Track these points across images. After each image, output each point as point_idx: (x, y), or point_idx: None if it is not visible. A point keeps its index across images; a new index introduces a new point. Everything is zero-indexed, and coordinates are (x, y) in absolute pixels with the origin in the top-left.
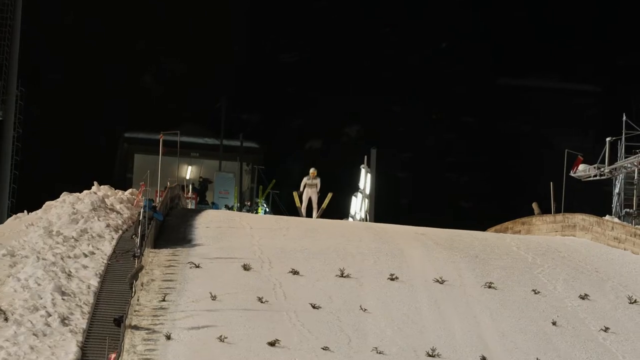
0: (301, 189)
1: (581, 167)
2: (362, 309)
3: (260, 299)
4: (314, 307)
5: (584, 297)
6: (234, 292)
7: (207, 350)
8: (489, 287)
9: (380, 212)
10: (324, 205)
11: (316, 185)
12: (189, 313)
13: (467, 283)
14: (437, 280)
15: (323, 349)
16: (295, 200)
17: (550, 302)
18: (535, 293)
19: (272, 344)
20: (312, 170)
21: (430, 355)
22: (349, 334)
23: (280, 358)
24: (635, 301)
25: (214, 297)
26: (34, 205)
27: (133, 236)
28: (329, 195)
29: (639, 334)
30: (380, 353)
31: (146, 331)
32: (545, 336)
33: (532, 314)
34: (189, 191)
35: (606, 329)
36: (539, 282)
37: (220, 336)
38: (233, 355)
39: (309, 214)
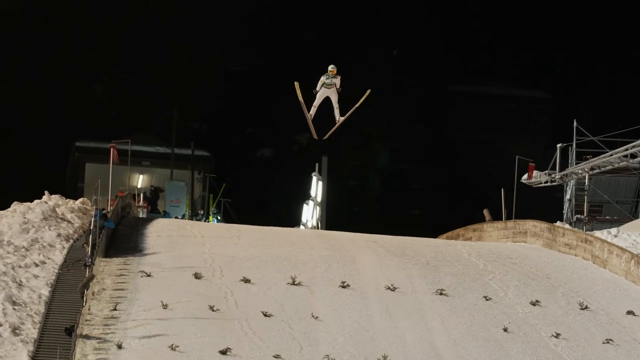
0: (318, 87)
1: (533, 173)
2: (313, 316)
3: (211, 307)
4: (265, 315)
5: (535, 303)
6: (186, 301)
7: (159, 359)
8: (441, 294)
9: (332, 219)
10: (360, 102)
11: (335, 84)
12: (140, 322)
13: (419, 290)
14: (389, 288)
15: (275, 357)
16: (297, 92)
17: (502, 309)
18: (487, 299)
19: (223, 352)
20: (331, 67)
21: None
22: (300, 342)
23: None
24: (586, 307)
25: (165, 306)
26: None
27: (84, 245)
28: (367, 91)
29: (590, 340)
30: None
31: (97, 340)
32: (497, 342)
33: (484, 321)
34: (140, 200)
35: (557, 335)
36: (490, 288)
37: (172, 345)
38: None
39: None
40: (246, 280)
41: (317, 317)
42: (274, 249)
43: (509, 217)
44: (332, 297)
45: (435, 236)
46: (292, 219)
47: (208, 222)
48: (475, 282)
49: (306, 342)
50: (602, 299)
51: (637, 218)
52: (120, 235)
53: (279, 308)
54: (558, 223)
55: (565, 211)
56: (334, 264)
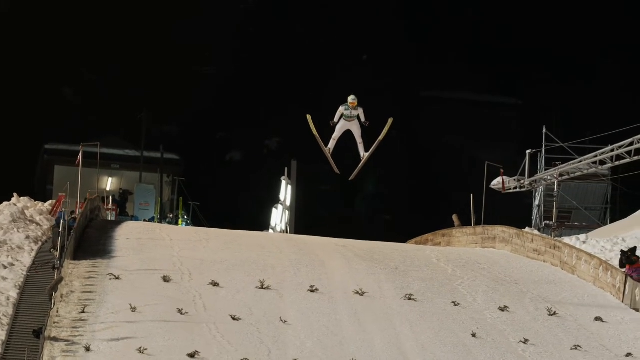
0: (335, 119)
1: (500, 180)
2: (282, 320)
3: (180, 311)
4: (234, 318)
5: (503, 308)
6: (154, 304)
7: None
8: (409, 298)
9: (301, 224)
10: (383, 134)
11: (357, 116)
12: (108, 324)
13: (387, 295)
14: (357, 292)
15: None
16: (310, 126)
17: (470, 314)
18: (455, 305)
19: (191, 355)
20: (351, 98)
21: None
22: (269, 346)
23: None
24: (554, 313)
25: (133, 309)
26: None
27: (51, 250)
28: (390, 121)
29: (558, 346)
30: None
31: (65, 343)
32: (465, 348)
33: (452, 326)
34: (109, 203)
35: (525, 341)
36: (458, 293)
37: (140, 348)
38: None
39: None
40: (215, 284)
41: (285, 321)
42: (243, 253)
43: (478, 223)
44: (301, 301)
45: (404, 241)
46: (261, 223)
47: (177, 225)
48: (444, 287)
49: (275, 346)
50: (571, 305)
51: (605, 224)
52: (89, 238)
53: (248, 312)
54: (527, 229)
55: (534, 217)
56: (303, 268)
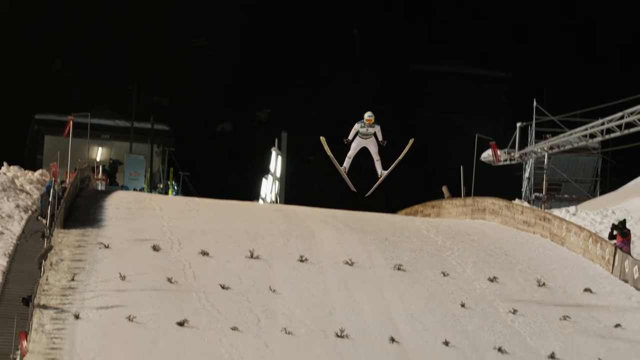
0: (350, 136)
1: (490, 152)
2: (271, 290)
3: (169, 280)
4: (223, 287)
5: (492, 279)
6: (144, 273)
7: (116, 330)
8: (399, 269)
9: (291, 194)
10: (404, 153)
11: (374, 134)
12: (98, 293)
13: (377, 265)
14: (347, 262)
15: (232, 329)
16: (325, 147)
17: (459, 285)
18: (445, 275)
19: (181, 324)
20: (367, 115)
21: (339, 336)
22: (258, 315)
23: (189, 338)
24: (543, 284)
25: (123, 278)
26: None
27: (38, 217)
28: (410, 141)
29: (547, 316)
30: (289, 333)
31: (55, 310)
32: (454, 318)
33: (441, 296)
34: (99, 172)
35: (514, 311)
36: (448, 264)
37: (129, 316)
38: (142, 335)
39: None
40: (204, 253)
41: (275, 291)
42: (233, 223)
43: (467, 195)
44: (290, 270)
45: (394, 212)
46: (251, 194)
47: (167, 195)
48: (434, 258)
49: (264, 315)
50: (560, 276)
51: (595, 197)
52: (78, 207)
53: (237, 281)
54: (516, 201)
55: (524, 189)
56: (293, 238)
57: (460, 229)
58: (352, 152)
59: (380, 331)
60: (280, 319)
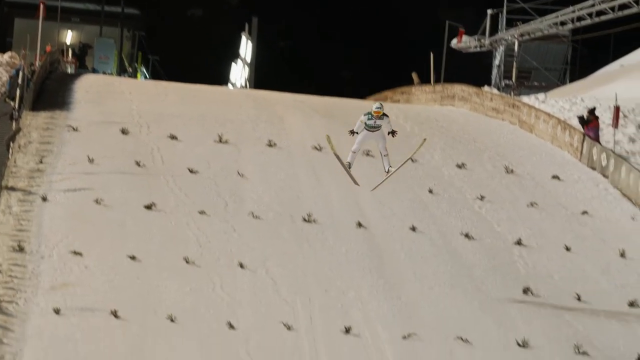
0: (356, 128)
1: (463, 38)
2: (239, 174)
3: (137, 163)
4: (191, 171)
5: (461, 166)
6: (112, 156)
7: (84, 213)
8: (367, 154)
9: (260, 79)
10: (415, 152)
11: (380, 127)
12: (66, 175)
13: (345, 150)
14: (316, 148)
15: (200, 212)
16: (330, 146)
17: (427, 171)
18: (413, 161)
19: (148, 207)
20: (375, 106)
21: (306, 221)
22: (225, 199)
23: (156, 221)
24: (511, 171)
25: (91, 160)
26: None
27: (6, 100)
28: (423, 140)
29: (514, 203)
30: (256, 218)
31: (22, 192)
32: (422, 203)
33: (409, 182)
34: (68, 56)
35: (482, 198)
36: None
37: (97, 199)
38: (109, 218)
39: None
40: (173, 137)
41: (243, 175)
42: (202, 107)
43: (437, 81)
44: (259, 155)
45: (363, 98)
46: (220, 78)
47: (136, 79)
48: (402, 144)
49: (231, 199)
50: (528, 163)
51: (564, 85)
52: (48, 90)
53: (205, 165)
54: (486, 88)
55: (493, 77)
56: (262, 123)
57: (429, 116)
58: (357, 147)
59: (348, 216)
60: (248, 203)
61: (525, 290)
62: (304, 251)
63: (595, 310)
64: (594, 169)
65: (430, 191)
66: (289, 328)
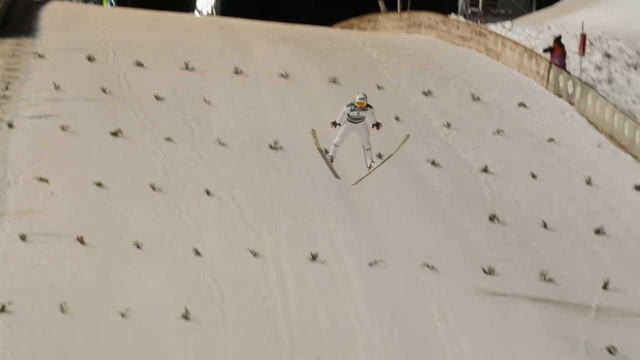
0: (338, 119)
1: None
2: (206, 101)
3: (104, 90)
4: (157, 98)
5: (427, 93)
6: (78, 83)
7: (50, 139)
8: (334, 82)
9: (226, 7)
10: (397, 149)
11: (364, 118)
12: (32, 102)
13: (312, 78)
14: (282, 75)
15: (166, 139)
16: (315, 140)
17: (394, 98)
18: (379, 88)
19: (114, 134)
20: (359, 97)
21: (272, 148)
22: (192, 126)
23: (122, 148)
24: (478, 98)
25: (57, 87)
26: None
27: None
28: (406, 137)
29: (480, 130)
30: (223, 145)
31: None
32: (388, 131)
33: (376, 109)
34: None
35: (448, 125)
36: (383, 78)
37: (63, 125)
38: (76, 144)
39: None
40: (139, 64)
41: (209, 102)
42: (168, 34)
43: (404, 9)
44: (225, 82)
45: (330, 26)
46: (187, 6)
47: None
48: (369, 71)
49: (198, 127)
50: (494, 90)
51: (531, 12)
52: (13, 17)
53: (172, 92)
54: (452, 16)
55: (460, 4)
56: (228, 50)
57: (395, 43)
58: (339, 139)
59: (313, 144)
60: (214, 131)
61: (492, 218)
62: (270, 178)
63: (561, 237)
64: (560, 96)
65: (397, 118)
66: (255, 255)
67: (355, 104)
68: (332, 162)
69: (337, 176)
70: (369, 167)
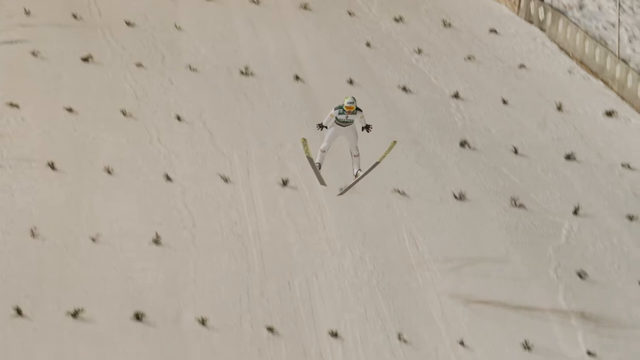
0: (325, 122)
1: None
2: (177, 27)
3: (74, 15)
4: (128, 24)
5: (398, 19)
6: (49, 9)
7: (21, 65)
8: (305, 8)
9: None
10: (383, 156)
11: (353, 121)
12: (2, 27)
13: (283, 4)
14: (253, 1)
15: (137, 65)
16: (305, 149)
17: (365, 24)
18: (350, 15)
19: (85, 59)
20: (347, 101)
21: (243, 74)
22: (162, 51)
23: (93, 74)
24: (449, 24)
25: (28, 13)
26: None
27: None
28: (392, 143)
29: (451, 56)
30: (193, 70)
31: None
32: (359, 57)
33: (347, 35)
34: None
35: (419, 51)
36: (354, 3)
37: (34, 51)
38: (46, 70)
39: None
40: None
41: (180, 28)
42: None
43: None
44: (196, 8)
45: None
46: None
47: None
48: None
49: (168, 52)
50: (465, 16)
51: None
52: None
53: (143, 18)
54: None
55: None
56: None
57: None
58: (326, 145)
59: (285, 69)
60: (185, 56)
61: (462, 143)
62: (241, 104)
63: (532, 163)
64: (531, 22)
65: (368, 44)
66: (226, 180)
67: (344, 107)
68: (319, 169)
69: (322, 182)
70: (356, 176)
